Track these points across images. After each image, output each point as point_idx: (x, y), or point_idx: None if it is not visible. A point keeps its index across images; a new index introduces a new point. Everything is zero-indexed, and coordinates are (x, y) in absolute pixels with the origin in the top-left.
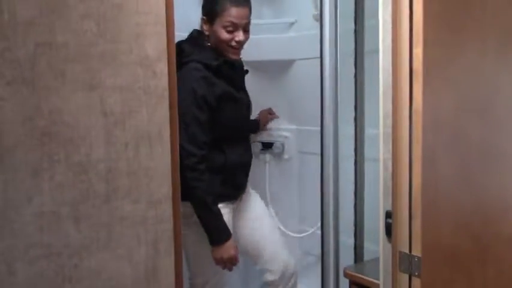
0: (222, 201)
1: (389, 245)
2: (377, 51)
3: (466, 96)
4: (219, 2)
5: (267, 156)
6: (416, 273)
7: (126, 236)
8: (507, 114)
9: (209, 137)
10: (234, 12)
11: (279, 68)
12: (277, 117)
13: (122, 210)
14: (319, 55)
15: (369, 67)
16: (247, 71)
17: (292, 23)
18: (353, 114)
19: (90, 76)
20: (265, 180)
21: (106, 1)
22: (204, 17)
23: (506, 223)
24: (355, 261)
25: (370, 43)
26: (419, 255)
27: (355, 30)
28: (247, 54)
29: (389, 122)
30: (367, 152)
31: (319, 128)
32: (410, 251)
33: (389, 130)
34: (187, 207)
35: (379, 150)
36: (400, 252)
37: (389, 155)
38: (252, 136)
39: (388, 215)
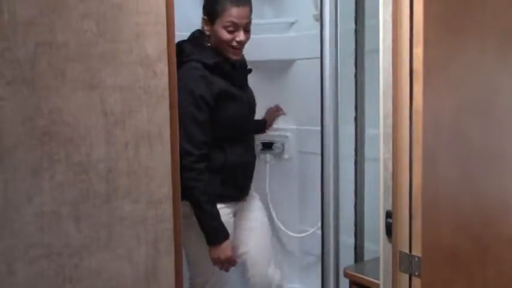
0: (222, 201)
1: (389, 245)
2: (377, 51)
3: (466, 96)
4: (220, 2)
5: (267, 156)
6: (417, 273)
7: (126, 236)
8: (507, 114)
9: (209, 137)
10: (234, 12)
11: (279, 68)
12: (284, 113)
13: (122, 210)
14: (319, 55)
15: (369, 67)
16: (250, 70)
17: (293, 23)
18: (353, 114)
19: (90, 76)
20: (265, 180)
21: (106, 1)
22: (205, 17)
23: (506, 223)
24: (355, 261)
25: (370, 43)
26: (420, 255)
27: (356, 30)
28: (247, 54)
29: (390, 122)
30: (368, 152)
31: (319, 128)
32: (410, 251)
33: (390, 130)
34: (187, 207)
35: (379, 150)
36: (400, 252)
37: (390, 155)
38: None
39: (389, 214)
